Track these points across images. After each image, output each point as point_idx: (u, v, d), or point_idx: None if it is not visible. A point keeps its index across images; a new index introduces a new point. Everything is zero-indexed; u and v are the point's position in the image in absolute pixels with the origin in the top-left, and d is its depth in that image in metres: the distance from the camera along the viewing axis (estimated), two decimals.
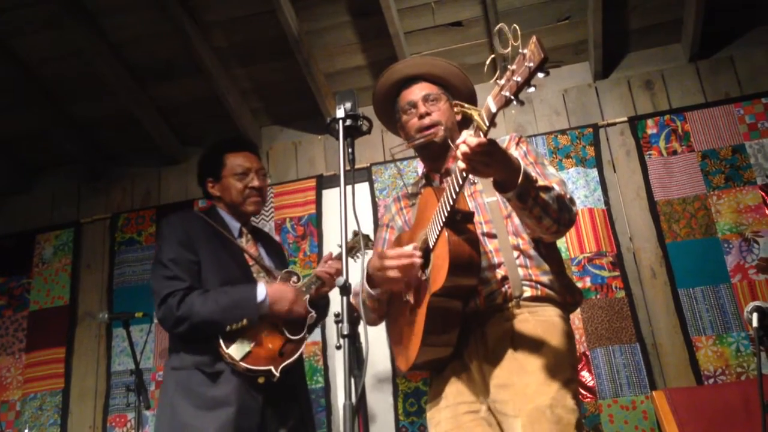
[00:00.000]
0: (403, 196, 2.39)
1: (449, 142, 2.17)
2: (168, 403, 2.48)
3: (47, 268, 4.37)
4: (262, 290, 2.54)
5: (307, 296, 2.66)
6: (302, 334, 2.63)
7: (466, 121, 2.38)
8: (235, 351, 2.46)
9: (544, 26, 3.95)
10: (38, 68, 4.05)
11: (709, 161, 3.71)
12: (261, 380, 2.48)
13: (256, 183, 2.77)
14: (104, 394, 4.01)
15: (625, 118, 3.90)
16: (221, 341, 2.47)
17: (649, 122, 3.86)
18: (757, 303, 2.35)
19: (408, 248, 1.99)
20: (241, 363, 2.45)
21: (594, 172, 3.80)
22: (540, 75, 1.45)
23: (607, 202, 3.74)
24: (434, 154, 2.23)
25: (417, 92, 2.25)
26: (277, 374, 2.48)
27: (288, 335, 2.58)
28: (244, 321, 2.47)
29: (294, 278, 2.74)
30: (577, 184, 3.76)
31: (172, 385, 2.50)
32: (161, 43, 3.93)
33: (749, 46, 3.93)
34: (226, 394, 2.44)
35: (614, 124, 3.91)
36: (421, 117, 2.19)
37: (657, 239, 3.65)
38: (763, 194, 3.59)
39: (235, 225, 2.79)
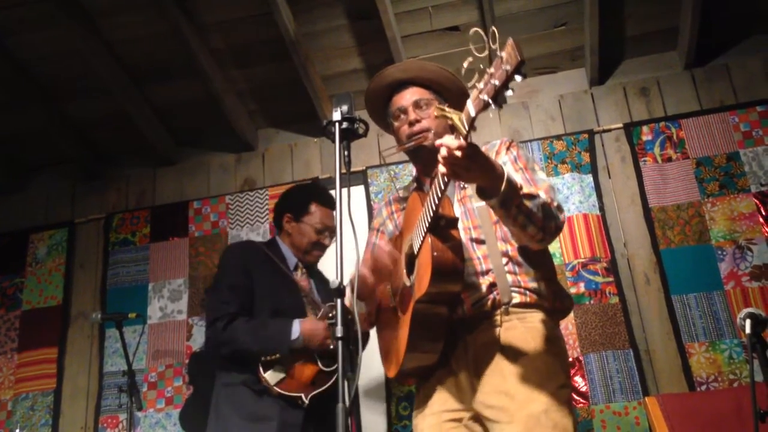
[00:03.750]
0: (395, 200, 2.38)
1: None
2: (217, 415, 2.74)
3: (40, 268, 4.35)
4: (296, 328, 2.72)
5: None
6: (334, 366, 2.74)
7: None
8: (270, 377, 2.68)
9: (541, 32, 3.96)
10: (34, 67, 4.04)
11: (704, 168, 3.72)
12: (299, 402, 2.68)
13: (327, 242, 3.02)
14: (96, 395, 3.99)
15: (621, 125, 3.91)
16: (260, 366, 2.69)
17: (645, 129, 3.87)
18: (750, 310, 2.35)
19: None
20: (275, 388, 2.67)
21: (589, 178, 3.81)
22: (517, 78, 1.44)
23: (601, 208, 3.75)
24: (424, 159, 2.22)
25: (407, 98, 2.23)
26: (306, 401, 2.67)
27: (321, 366, 2.75)
28: (277, 354, 2.68)
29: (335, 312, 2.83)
30: (572, 190, 3.76)
31: (222, 399, 2.75)
32: (158, 43, 3.93)
33: (744, 55, 3.94)
34: (269, 410, 2.66)
35: (609, 130, 3.92)
36: (411, 124, 2.19)
37: (651, 245, 3.65)
38: (757, 202, 3.60)
39: (292, 259, 3.00)
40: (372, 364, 3.68)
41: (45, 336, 4.16)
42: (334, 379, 2.73)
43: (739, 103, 3.83)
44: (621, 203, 3.78)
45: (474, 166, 1.70)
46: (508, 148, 2.13)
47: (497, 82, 1.47)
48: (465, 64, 1.59)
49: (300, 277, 2.99)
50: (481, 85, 1.54)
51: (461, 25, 3.95)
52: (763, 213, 3.58)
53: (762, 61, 3.91)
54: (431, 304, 1.88)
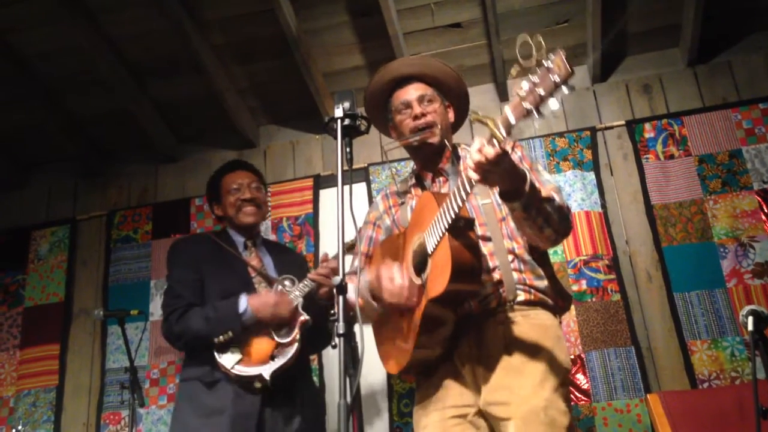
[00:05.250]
0: (392, 194, 2.37)
1: (446, 142, 2.17)
2: (175, 412, 2.76)
3: (42, 265, 4.36)
4: (243, 302, 2.69)
5: (300, 300, 2.75)
6: (291, 337, 2.70)
7: (459, 124, 2.39)
8: (227, 360, 2.64)
9: (543, 29, 3.95)
10: (36, 64, 4.04)
11: (706, 166, 3.71)
12: (258, 385, 2.61)
13: (247, 195, 2.96)
14: (98, 392, 4.00)
15: (623, 122, 3.90)
16: (215, 352, 2.65)
17: (647, 126, 3.86)
18: (752, 307, 2.34)
19: (398, 279, 1.96)
20: (232, 370, 2.62)
21: (591, 175, 3.81)
22: (565, 90, 1.43)
23: (603, 205, 3.75)
24: (429, 155, 2.23)
25: (412, 92, 2.24)
26: (268, 378, 2.60)
27: (277, 339, 2.70)
28: (230, 333, 2.64)
29: (287, 282, 2.84)
30: (574, 187, 3.76)
31: (179, 395, 2.78)
32: (160, 40, 3.92)
33: (747, 52, 3.93)
34: (221, 402, 2.62)
35: (612, 127, 3.91)
36: (416, 118, 2.19)
37: (653, 243, 3.65)
38: (760, 199, 3.60)
39: (239, 240, 2.99)
40: (373, 361, 3.70)
41: (47, 333, 4.16)
42: (293, 352, 2.67)
43: (741, 100, 3.82)
44: (623, 200, 3.77)
45: (504, 172, 1.71)
46: (512, 149, 2.13)
47: (543, 92, 1.46)
48: (513, 72, 1.55)
49: (251, 256, 2.96)
50: (523, 93, 1.51)
51: (463, 22, 3.94)
52: (766, 210, 3.57)
53: (765, 58, 3.90)
54: (445, 302, 1.89)
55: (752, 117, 3.76)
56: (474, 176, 1.69)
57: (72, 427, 3.97)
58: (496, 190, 1.86)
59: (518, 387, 1.89)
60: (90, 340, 4.14)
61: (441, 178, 2.22)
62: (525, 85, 1.51)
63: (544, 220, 1.86)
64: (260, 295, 2.75)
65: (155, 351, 3.98)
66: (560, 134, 3.93)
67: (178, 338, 2.76)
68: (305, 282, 2.77)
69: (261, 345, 2.69)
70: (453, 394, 2.00)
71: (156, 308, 4.06)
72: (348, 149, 1.92)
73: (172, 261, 2.96)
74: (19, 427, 3.69)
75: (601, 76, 4.03)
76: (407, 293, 1.94)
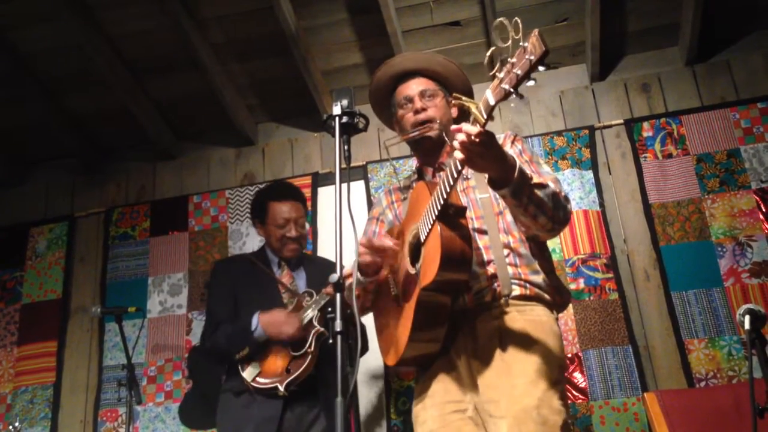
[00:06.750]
0: (395, 190, 2.38)
1: (444, 136, 2.18)
2: (216, 423, 2.95)
3: (40, 262, 4.35)
4: (255, 320, 2.84)
5: (314, 313, 2.85)
6: (304, 350, 2.82)
7: (462, 118, 2.39)
8: (248, 373, 2.82)
9: (542, 27, 3.89)
10: (35, 61, 4.04)
11: (704, 165, 3.72)
12: (280, 393, 2.75)
13: (293, 233, 3.06)
14: (96, 389, 4.00)
15: (621, 121, 3.90)
16: (239, 366, 2.84)
17: (645, 125, 3.86)
18: (749, 306, 2.33)
19: (387, 242, 2.00)
20: (251, 383, 2.79)
21: (589, 174, 3.81)
22: (540, 68, 1.45)
23: (602, 204, 3.75)
24: (428, 149, 2.24)
25: (414, 87, 2.25)
26: (282, 389, 2.74)
27: (292, 353, 2.83)
28: (246, 349, 2.82)
29: (307, 297, 2.95)
30: (573, 186, 3.76)
31: (219, 405, 2.94)
32: (158, 38, 3.92)
33: (746, 51, 3.93)
34: (246, 408, 2.79)
35: (610, 126, 3.91)
36: (417, 112, 2.20)
37: (651, 242, 3.65)
38: (758, 199, 3.60)
39: (274, 259, 3.14)
40: (371, 359, 3.70)
41: (45, 329, 4.16)
42: (306, 364, 2.79)
43: (740, 100, 3.82)
44: (621, 199, 3.78)
45: (489, 154, 1.72)
46: (513, 142, 2.15)
47: (520, 72, 1.48)
48: (488, 53, 1.61)
49: (283, 273, 3.09)
50: (501, 75, 1.55)
51: (462, 20, 3.94)
52: (764, 210, 3.57)
53: (763, 57, 3.90)
54: (437, 292, 1.88)
55: (750, 116, 3.76)
56: (459, 156, 1.70)
57: (69, 424, 3.97)
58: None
59: (510, 386, 1.88)
60: (87, 338, 4.14)
61: (442, 173, 2.22)
62: (504, 66, 1.54)
63: (536, 207, 1.85)
64: (272, 312, 2.86)
65: (152, 348, 3.98)
66: (558, 133, 3.93)
67: (210, 353, 2.98)
68: (321, 295, 2.87)
69: (277, 359, 2.84)
70: (450, 388, 2.00)
71: (153, 305, 4.07)
72: (346, 147, 1.91)
73: (210, 283, 3.20)
74: (16, 424, 3.67)
75: (600, 75, 4.03)
76: (393, 244, 1.98)
